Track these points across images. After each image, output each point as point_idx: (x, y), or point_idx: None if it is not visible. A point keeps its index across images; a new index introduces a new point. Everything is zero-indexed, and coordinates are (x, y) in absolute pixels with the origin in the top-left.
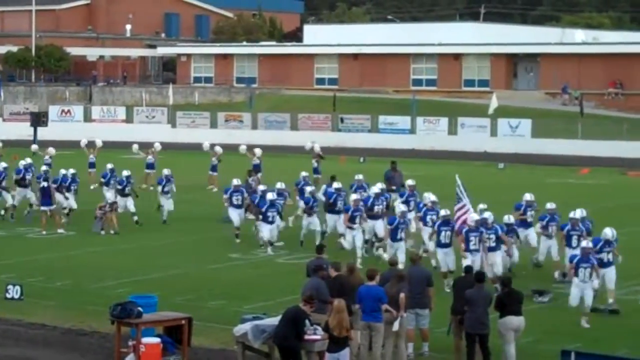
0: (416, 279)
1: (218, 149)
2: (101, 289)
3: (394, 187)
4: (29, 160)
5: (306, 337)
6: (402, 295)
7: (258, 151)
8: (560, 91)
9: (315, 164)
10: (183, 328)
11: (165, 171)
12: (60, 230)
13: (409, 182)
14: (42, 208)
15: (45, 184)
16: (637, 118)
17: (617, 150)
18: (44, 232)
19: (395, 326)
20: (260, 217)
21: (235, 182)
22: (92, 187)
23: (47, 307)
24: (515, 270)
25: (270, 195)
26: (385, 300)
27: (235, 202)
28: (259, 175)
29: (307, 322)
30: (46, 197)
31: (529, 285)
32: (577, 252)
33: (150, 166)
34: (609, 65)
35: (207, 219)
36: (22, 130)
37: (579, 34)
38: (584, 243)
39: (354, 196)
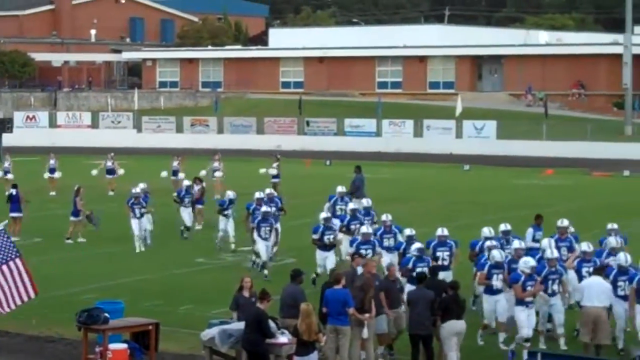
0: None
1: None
2: (68, 295)
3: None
4: None
5: (274, 340)
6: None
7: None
8: (524, 92)
9: (276, 170)
10: (150, 333)
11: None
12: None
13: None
14: (12, 215)
15: (13, 191)
16: (601, 119)
17: (581, 150)
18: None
19: (365, 333)
20: (255, 233)
21: (140, 187)
22: (51, 193)
23: (13, 314)
24: None
25: (265, 208)
26: (352, 304)
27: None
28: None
29: (272, 323)
30: (15, 204)
31: None
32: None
33: (110, 172)
34: (572, 67)
35: (174, 224)
36: None
37: (543, 36)
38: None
39: (364, 229)
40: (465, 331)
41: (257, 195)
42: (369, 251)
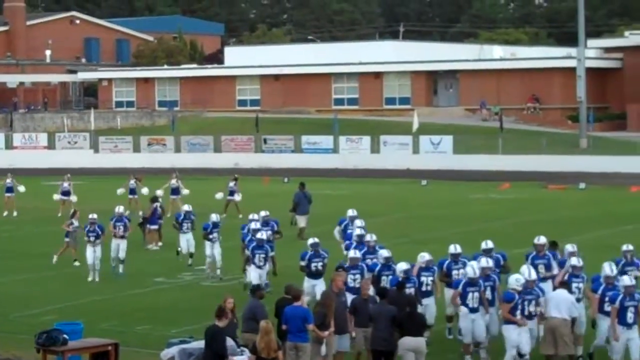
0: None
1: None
2: (26, 317)
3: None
4: None
5: (233, 358)
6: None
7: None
8: (479, 107)
9: (233, 186)
10: (110, 354)
11: (186, 207)
12: None
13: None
14: None
15: None
16: (556, 132)
17: (537, 164)
18: None
19: (323, 350)
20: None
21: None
22: (5, 213)
23: None
24: None
25: (260, 235)
26: (311, 320)
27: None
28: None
29: (232, 341)
30: None
31: None
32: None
33: (66, 193)
34: (527, 81)
35: (131, 243)
36: None
37: (497, 50)
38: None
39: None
40: (426, 349)
41: (253, 226)
42: (357, 276)
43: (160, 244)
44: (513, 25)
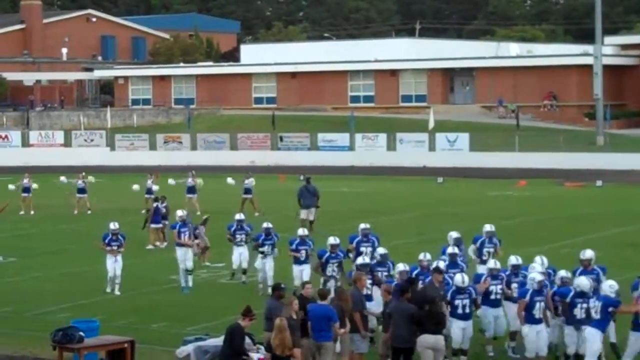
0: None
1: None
2: (42, 314)
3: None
4: None
5: (248, 354)
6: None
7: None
8: (496, 105)
9: (249, 184)
10: (125, 351)
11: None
12: None
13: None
14: None
15: None
16: (573, 129)
17: (554, 161)
18: None
19: (337, 347)
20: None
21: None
22: (21, 212)
23: None
24: None
25: (332, 239)
26: (336, 319)
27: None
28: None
29: (248, 339)
30: None
31: None
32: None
33: (81, 191)
34: (543, 78)
35: (145, 242)
36: None
37: (514, 47)
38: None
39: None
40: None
41: (332, 241)
42: (384, 274)
43: (165, 243)
44: (530, 22)
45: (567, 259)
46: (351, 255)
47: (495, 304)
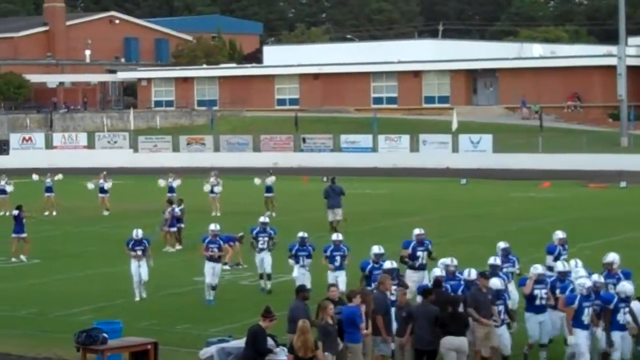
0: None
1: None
2: (66, 316)
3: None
4: None
5: (271, 357)
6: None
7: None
8: (519, 105)
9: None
10: (149, 353)
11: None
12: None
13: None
14: (14, 235)
15: (16, 212)
16: (596, 130)
17: (577, 162)
18: (14, 259)
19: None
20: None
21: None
22: (46, 212)
23: (13, 336)
24: None
25: (376, 249)
26: (361, 320)
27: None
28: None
29: (271, 340)
30: (19, 224)
31: None
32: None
33: (102, 191)
34: (567, 79)
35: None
36: None
37: (537, 48)
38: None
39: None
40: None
41: (376, 250)
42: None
43: (180, 246)
44: (553, 23)
45: (590, 260)
46: (408, 261)
47: (540, 309)
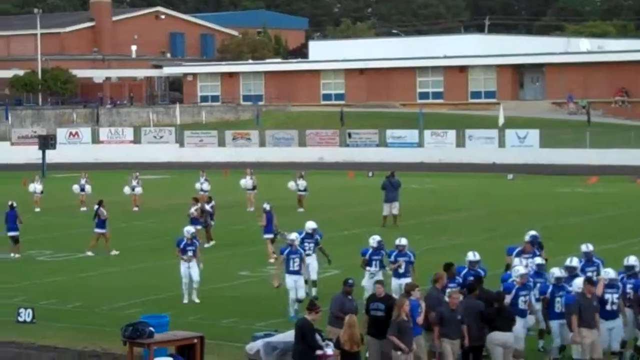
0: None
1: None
2: (113, 309)
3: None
4: None
5: (318, 352)
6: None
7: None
8: (566, 100)
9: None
10: (195, 347)
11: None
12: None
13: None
14: (96, 230)
15: (96, 206)
16: None
17: (625, 158)
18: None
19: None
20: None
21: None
22: (82, 209)
23: (59, 330)
24: None
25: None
26: (416, 314)
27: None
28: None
29: (317, 334)
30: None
31: None
32: None
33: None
34: (614, 74)
35: (215, 237)
36: (30, 153)
37: (584, 43)
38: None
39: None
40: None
41: (471, 257)
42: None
43: (213, 242)
44: (600, 17)
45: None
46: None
47: (611, 315)
